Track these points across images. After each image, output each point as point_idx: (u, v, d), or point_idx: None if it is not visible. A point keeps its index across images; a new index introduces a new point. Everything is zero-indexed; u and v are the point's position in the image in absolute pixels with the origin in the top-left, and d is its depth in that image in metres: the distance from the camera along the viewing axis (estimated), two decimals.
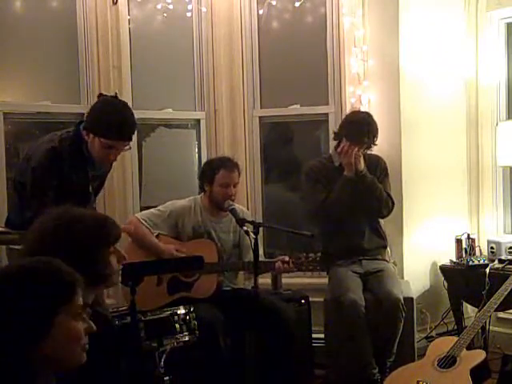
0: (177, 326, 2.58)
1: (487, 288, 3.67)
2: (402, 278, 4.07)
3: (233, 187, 3.48)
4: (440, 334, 4.07)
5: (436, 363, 3.07)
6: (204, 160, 4.09)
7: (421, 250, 4.21)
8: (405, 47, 4.06)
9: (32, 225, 1.94)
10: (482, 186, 4.42)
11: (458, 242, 4.16)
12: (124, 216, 3.86)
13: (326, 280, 3.77)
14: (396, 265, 4.00)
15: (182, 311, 2.63)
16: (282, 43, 4.45)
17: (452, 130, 4.37)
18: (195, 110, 4.43)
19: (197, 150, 4.48)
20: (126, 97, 3.96)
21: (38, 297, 1.37)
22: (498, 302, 3.35)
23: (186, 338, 2.59)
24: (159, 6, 4.22)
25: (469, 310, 4.28)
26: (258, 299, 2.97)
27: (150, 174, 4.31)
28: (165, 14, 4.25)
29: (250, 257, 3.30)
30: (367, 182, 3.63)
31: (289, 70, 4.43)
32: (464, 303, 4.13)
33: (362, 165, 3.62)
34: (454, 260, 4.13)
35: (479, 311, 3.45)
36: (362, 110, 4.00)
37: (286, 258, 3.35)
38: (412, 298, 3.62)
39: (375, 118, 3.73)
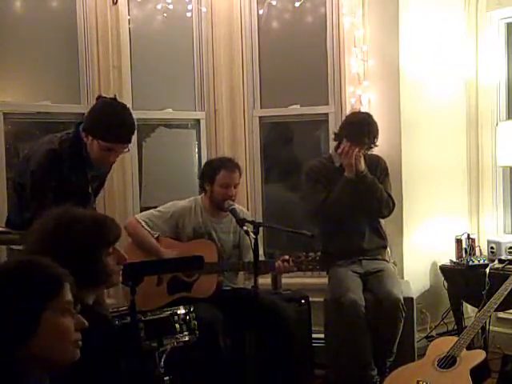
0: (177, 325, 2.57)
1: (487, 288, 3.67)
2: (402, 278, 4.07)
3: (233, 188, 3.48)
4: (440, 334, 4.07)
5: (436, 363, 3.07)
6: (204, 160, 4.09)
7: (421, 250, 4.21)
8: (405, 47, 4.07)
9: (32, 225, 1.95)
10: (482, 186, 4.42)
11: (458, 242, 4.16)
12: (124, 216, 3.86)
13: (325, 280, 3.77)
14: (396, 265, 4.00)
15: (182, 311, 2.62)
16: (282, 43, 4.45)
17: (452, 130, 4.37)
18: (195, 110, 4.43)
19: (197, 150, 4.48)
20: (126, 97, 3.97)
21: (24, 294, 1.35)
22: (498, 302, 3.35)
23: (186, 338, 2.59)
24: (159, 6, 4.22)
25: (469, 310, 4.28)
26: (257, 299, 2.97)
27: (150, 174, 4.31)
28: (165, 14, 4.25)
29: (250, 257, 3.30)
30: (368, 183, 3.63)
31: (289, 70, 4.43)
32: (464, 303, 4.13)
33: (362, 165, 3.62)
34: (454, 260, 4.13)
35: (479, 311, 3.45)
36: (362, 110, 4.01)
37: (286, 257, 3.35)
38: (412, 298, 3.62)
39: (375, 118, 3.73)
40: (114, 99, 2.92)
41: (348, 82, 4.17)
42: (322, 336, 3.70)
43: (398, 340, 3.47)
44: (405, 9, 4.04)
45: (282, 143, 4.68)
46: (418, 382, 2.96)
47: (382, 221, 3.84)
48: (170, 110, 4.33)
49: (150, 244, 3.42)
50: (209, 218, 3.55)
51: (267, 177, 4.53)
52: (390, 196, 3.72)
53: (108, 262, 1.95)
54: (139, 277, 2.31)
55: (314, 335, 3.76)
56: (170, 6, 4.23)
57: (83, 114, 3.21)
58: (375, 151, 3.81)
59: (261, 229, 3.11)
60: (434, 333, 4.16)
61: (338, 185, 3.64)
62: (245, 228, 3.02)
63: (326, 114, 4.35)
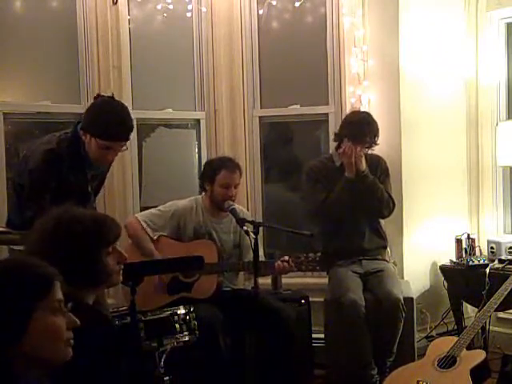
0: (177, 326, 2.58)
1: (487, 288, 3.67)
2: (402, 278, 4.07)
3: (233, 188, 3.47)
4: (440, 334, 4.07)
5: (436, 363, 3.07)
6: (204, 160, 4.08)
7: (421, 250, 4.21)
8: (405, 47, 4.07)
9: (32, 225, 1.95)
10: (482, 186, 4.42)
11: (458, 242, 4.16)
12: (124, 216, 3.85)
13: (326, 280, 3.77)
14: (396, 265, 4.00)
15: (182, 311, 2.63)
16: (282, 43, 4.45)
17: (452, 130, 4.37)
18: (195, 110, 4.43)
19: (197, 150, 4.48)
20: (126, 97, 3.97)
21: (14, 294, 1.35)
22: (498, 302, 3.35)
23: (186, 338, 2.59)
24: (159, 6, 4.22)
25: (469, 310, 4.28)
26: (257, 299, 2.97)
27: (150, 174, 4.31)
28: (165, 14, 4.25)
29: (250, 257, 3.30)
30: (368, 183, 3.62)
31: (289, 70, 4.43)
32: (464, 303, 4.13)
33: (363, 165, 3.62)
34: (454, 260, 4.13)
35: (479, 311, 3.45)
36: (362, 110, 4.00)
37: (286, 258, 3.35)
38: (412, 298, 3.62)
39: (375, 118, 3.73)
40: (112, 98, 2.93)
41: (348, 82, 4.17)
42: (322, 336, 3.70)
43: (398, 340, 3.47)
44: (405, 9, 4.04)
45: (282, 143, 4.68)
46: (418, 381, 2.96)
47: (382, 221, 3.84)
48: (170, 109, 4.33)
49: (145, 247, 3.40)
50: (209, 218, 3.55)
51: (267, 177, 4.53)
52: (390, 196, 3.72)
53: (108, 261, 1.95)
54: (139, 277, 2.31)
55: (314, 335, 3.76)
56: (170, 6, 4.23)
57: (83, 113, 3.20)
58: (375, 151, 3.81)
59: (261, 229, 3.11)
60: (434, 333, 4.16)
61: (339, 185, 3.64)
62: (245, 228, 3.02)
63: (326, 114, 4.35)
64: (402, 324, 3.44)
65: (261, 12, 4.38)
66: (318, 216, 3.80)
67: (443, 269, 4.15)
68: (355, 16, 4.09)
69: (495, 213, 4.41)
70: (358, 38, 4.10)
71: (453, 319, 4.15)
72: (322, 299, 3.65)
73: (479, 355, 3.12)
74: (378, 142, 3.70)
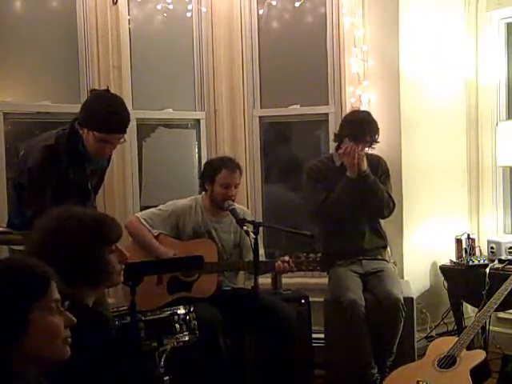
0: (177, 325, 2.58)
1: (487, 288, 3.67)
2: (402, 278, 4.07)
3: (234, 188, 3.47)
4: (440, 334, 4.07)
5: (436, 363, 3.08)
6: (204, 160, 4.08)
7: (421, 249, 4.21)
8: (405, 47, 4.07)
9: (33, 225, 1.95)
10: (482, 186, 4.42)
11: (458, 241, 4.16)
12: (124, 216, 3.86)
13: (326, 280, 3.77)
14: (396, 265, 4.00)
15: (182, 311, 2.62)
16: (282, 43, 4.45)
17: (452, 130, 4.37)
18: (195, 110, 4.43)
19: (197, 150, 4.48)
20: (126, 97, 3.96)
21: (12, 295, 1.35)
22: (498, 302, 3.35)
23: (186, 338, 2.59)
24: (159, 6, 4.22)
25: (469, 310, 4.28)
26: (257, 299, 2.97)
27: (149, 174, 4.31)
28: (165, 14, 4.25)
29: (250, 257, 3.30)
30: (369, 183, 3.62)
31: (289, 70, 4.43)
32: (464, 303, 4.12)
33: (364, 165, 3.61)
34: (454, 260, 4.13)
35: (479, 311, 3.45)
36: (362, 109, 4.00)
37: (286, 258, 3.35)
38: (412, 298, 3.62)
39: (375, 118, 3.73)
40: (107, 91, 2.93)
41: (348, 82, 4.17)
42: (322, 336, 3.70)
43: (398, 340, 3.47)
44: (405, 9, 4.04)
45: (282, 143, 4.68)
46: (417, 381, 2.96)
47: (382, 221, 3.84)
48: (170, 109, 4.33)
49: (149, 242, 3.42)
50: (208, 218, 3.55)
51: (267, 177, 4.53)
52: (390, 196, 3.72)
53: (111, 259, 1.95)
54: (139, 277, 2.31)
55: (314, 335, 3.76)
56: (170, 6, 4.23)
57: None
58: (375, 151, 3.81)
59: (261, 229, 3.12)
60: (434, 333, 4.16)
61: (340, 185, 3.64)
62: (245, 228, 3.02)
63: (326, 114, 4.35)
64: (402, 324, 3.44)
65: (261, 12, 4.38)
66: (318, 216, 3.81)
67: (443, 269, 4.15)
68: (355, 16, 4.09)
69: (495, 213, 4.41)
70: (358, 38, 4.10)
71: (453, 319, 4.15)
72: (322, 299, 3.65)
73: (479, 355, 3.12)
74: (378, 140, 3.70)
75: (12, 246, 2.85)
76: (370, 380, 3.41)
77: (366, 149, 3.66)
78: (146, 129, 4.29)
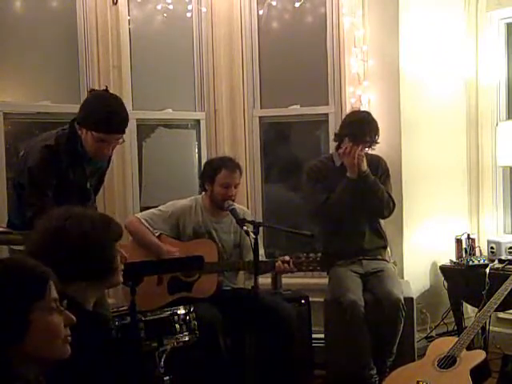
0: (177, 326, 2.58)
1: (487, 288, 3.67)
2: (402, 278, 4.07)
3: (234, 188, 3.48)
4: (440, 334, 4.07)
5: (436, 363, 3.07)
6: (204, 160, 4.08)
7: (421, 249, 4.21)
8: (405, 47, 4.07)
9: (33, 225, 1.95)
10: (482, 186, 4.42)
11: (458, 241, 4.16)
12: (124, 216, 3.86)
13: (326, 280, 3.77)
14: (396, 265, 4.00)
15: (182, 311, 2.62)
16: (282, 43, 4.45)
17: (452, 130, 4.37)
18: (195, 110, 4.43)
19: (197, 150, 4.48)
20: (126, 97, 3.96)
21: (13, 295, 1.35)
22: (498, 302, 3.35)
23: (186, 338, 2.59)
24: (159, 7, 4.22)
25: (469, 310, 4.28)
26: (257, 299, 2.97)
27: (149, 174, 4.31)
28: (165, 14, 4.25)
29: (250, 257, 3.30)
30: (369, 183, 3.62)
31: (289, 70, 4.43)
32: (464, 303, 4.12)
33: (364, 165, 3.61)
34: (454, 260, 4.13)
35: (479, 311, 3.45)
36: (362, 110, 4.00)
37: (287, 258, 3.35)
38: (412, 298, 3.62)
39: (375, 118, 3.73)
40: (106, 91, 2.93)
41: (348, 82, 4.17)
42: (322, 336, 3.70)
43: (398, 340, 3.47)
44: (405, 9, 4.05)
45: (282, 143, 4.68)
46: (417, 382, 2.96)
47: (382, 221, 3.84)
48: (170, 110, 4.32)
49: (150, 241, 3.42)
50: (209, 218, 3.55)
51: (267, 177, 4.53)
52: (390, 196, 3.72)
53: (116, 255, 1.96)
54: (139, 277, 2.31)
55: (314, 335, 3.75)
56: (170, 6, 4.23)
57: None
58: (375, 151, 3.81)
59: (261, 229, 3.11)
60: (434, 333, 4.16)
61: (340, 185, 3.64)
62: (245, 228, 3.02)
63: (326, 114, 4.35)
64: (402, 324, 3.45)
65: (261, 12, 4.38)
66: (318, 216, 3.81)
67: (443, 269, 4.15)
68: (355, 16, 4.09)
69: (495, 213, 4.41)
70: (358, 38, 4.10)
71: (453, 319, 4.15)
72: (322, 299, 3.65)
73: (479, 355, 3.12)
74: (378, 140, 3.70)
75: (12, 246, 2.85)
76: (369, 380, 3.42)
77: (366, 149, 3.66)
78: (145, 129, 4.29)
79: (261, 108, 4.45)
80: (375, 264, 3.72)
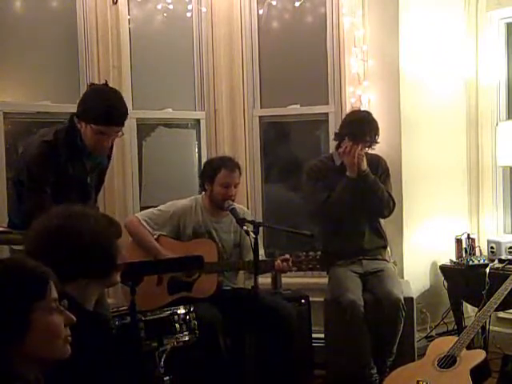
0: (177, 325, 2.58)
1: (487, 288, 3.67)
2: (402, 277, 4.07)
3: (233, 187, 3.48)
4: (440, 334, 4.07)
5: (436, 363, 3.08)
6: (204, 160, 4.08)
7: (421, 250, 4.21)
8: (405, 47, 4.07)
9: (31, 221, 1.94)
10: (482, 186, 4.42)
11: (458, 241, 4.15)
12: (124, 216, 3.86)
13: (325, 280, 3.77)
14: (396, 265, 3.99)
15: (182, 311, 2.63)
16: (282, 43, 4.45)
17: (452, 130, 4.37)
18: (195, 110, 4.43)
19: (197, 149, 4.48)
20: (126, 96, 3.93)
21: (13, 295, 1.36)
22: (498, 302, 3.35)
23: (186, 338, 2.59)
24: (159, 6, 4.22)
25: (469, 309, 4.28)
26: (257, 299, 2.97)
27: (149, 173, 4.31)
28: (165, 14, 4.25)
29: (250, 256, 3.30)
30: (369, 182, 3.62)
31: (289, 70, 4.43)
32: (464, 303, 4.13)
33: (364, 164, 3.61)
34: (454, 260, 4.13)
35: (479, 311, 3.45)
36: (362, 109, 4.00)
37: (287, 256, 3.36)
38: (412, 298, 3.62)
39: (375, 118, 3.73)
40: (106, 85, 2.94)
41: (348, 82, 4.17)
42: (322, 336, 3.70)
43: (398, 340, 3.47)
44: (405, 9, 4.04)
45: (281, 143, 4.68)
46: (417, 381, 2.96)
47: (382, 221, 3.84)
48: (170, 109, 4.33)
49: (149, 244, 3.42)
50: (208, 218, 3.55)
51: (267, 177, 4.53)
52: (390, 196, 3.72)
53: (119, 251, 1.96)
54: (139, 277, 2.31)
55: (314, 335, 3.76)
56: (170, 6, 4.23)
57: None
58: (375, 151, 3.81)
59: (261, 228, 3.11)
60: (433, 333, 4.16)
61: (340, 184, 3.64)
62: (245, 228, 3.02)
63: (326, 114, 4.35)
64: (402, 324, 3.45)
65: (261, 12, 4.37)
66: (318, 216, 3.81)
67: (443, 269, 4.15)
68: (355, 16, 4.09)
69: (495, 213, 4.41)
70: (358, 38, 4.10)
71: (453, 319, 4.15)
72: (322, 299, 3.65)
73: (479, 355, 3.12)
74: (378, 140, 3.70)
75: (12, 246, 2.85)
76: (369, 380, 3.42)
77: (366, 148, 3.66)
78: (145, 128, 4.29)
79: (261, 108, 4.44)
80: (375, 264, 3.72)
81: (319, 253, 3.36)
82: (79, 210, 1.96)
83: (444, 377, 3.00)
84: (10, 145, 3.75)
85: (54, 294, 1.43)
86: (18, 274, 1.40)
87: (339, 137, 3.73)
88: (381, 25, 4.11)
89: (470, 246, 4.13)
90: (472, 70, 4.38)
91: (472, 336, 3.20)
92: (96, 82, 3.90)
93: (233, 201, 3.44)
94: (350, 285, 3.53)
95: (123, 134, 2.95)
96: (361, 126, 3.62)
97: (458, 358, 3.06)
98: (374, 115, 3.76)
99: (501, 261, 3.90)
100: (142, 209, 3.97)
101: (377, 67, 4.11)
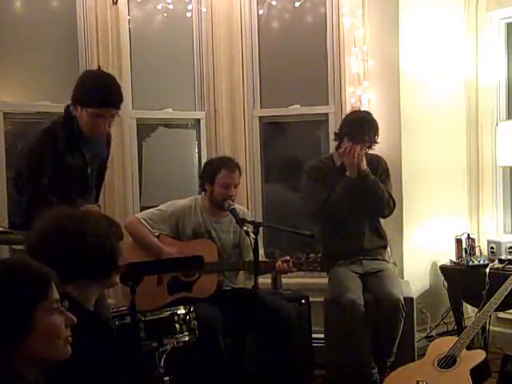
0: (177, 326, 2.57)
1: (487, 288, 3.67)
2: (402, 278, 4.07)
3: (233, 188, 3.48)
4: (440, 334, 4.07)
5: (436, 363, 3.08)
6: (204, 160, 4.09)
7: (421, 249, 4.21)
8: (405, 47, 4.07)
9: (28, 212, 1.94)
10: (482, 186, 4.42)
11: (458, 242, 4.15)
12: (124, 216, 3.86)
13: (326, 280, 3.77)
14: (396, 265, 4.00)
15: (182, 311, 2.62)
16: (282, 43, 4.45)
17: (452, 130, 4.37)
18: (195, 110, 4.43)
19: (197, 149, 4.48)
20: (126, 96, 3.92)
21: (15, 296, 1.36)
22: (498, 302, 3.35)
23: (186, 338, 2.59)
24: (159, 6, 4.22)
25: (469, 310, 4.28)
26: (257, 299, 2.97)
27: (149, 174, 4.31)
28: (165, 14, 4.26)
29: (250, 257, 3.30)
30: (369, 182, 3.62)
31: (289, 70, 4.43)
32: (464, 303, 4.13)
33: (364, 164, 3.61)
34: (454, 260, 4.13)
35: (479, 311, 3.45)
36: (362, 109, 4.00)
37: (287, 258, 3.36)
38: (412, 298, 3.62)
39: (375, 118, 3.73)
40: (99, 69, 2.98)
41: (348, 82, 4.17)
42: (322, 336, 3.70)
43: (398, 340, 3.47)
44: (405, 9, 4.04)
45: (282, 143, 4.68)
46: (417, 381, 2.96)
47: (382, 221, 3.84)
48: (170, 109, 4.33)
49: (150, 242, 3.42)
50: (208, 218, 3.55)
51: (267, 177, 4.53)
52: (390, 196, 3.72)
53: (120, 252, 1.96)
54: (139, 277, 2.31)
55: (314, 335, 3.76)
56: (170, 6, 4.23)
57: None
58: (375, 151, 3.81)
59: (261, 229, 3.11)
60: (434, 333, 4.16)
61: (340, 184, 3.64)
62: (245, 228, 3.02)
63: (326, 114, 4.35)
64: (402, 324, 3.44)
65: (261, 12, 4.38)
66: (318, 216, 3.81)
67: (443, 269, 4.15)
68: (355, 16, 4.09)
69: (495, 213, 4.41)
70: (358, 38, 4.10)
71: (453, 319, 4.15)
72: (322, 299, 3.65)
73: (479, 355, 3.12)
74: (378, 140, 3.70)
75: (13, 246, 2.85)
76: (369, 380, 3.41)
77: (366, 148, 3.66)
78: (145, 129, 4.29)
79: (261, 108, 4.44)
80: (375, 264, 3.72)
81: (320, 255, 3.37)
82: (80, 210, 1.96)
83: (444, 377, 3.00)
84: (10, 145, 3.75)
85: (56, 295, 1.43)
86: (21, 275, 1.40)
87: (339, 137, 3.73)
88: (381, 25, 4.11)
89: (470, 246, 4.13)
90: (472, 70, 4.38)
91: (472, 336, 3.20)
92: None
93: (233, 201, 3.44)
94: (350, 284, 3.53)
95: (119, 115, 2.97)
96: (360, 126, 3.62)
97: (458, 358, 3.06)
98: (374, 115, 3.76)
99: (501, 261, 3.90)
100: (142, 209, 3.98)
101: (377, 67, 4.11)
